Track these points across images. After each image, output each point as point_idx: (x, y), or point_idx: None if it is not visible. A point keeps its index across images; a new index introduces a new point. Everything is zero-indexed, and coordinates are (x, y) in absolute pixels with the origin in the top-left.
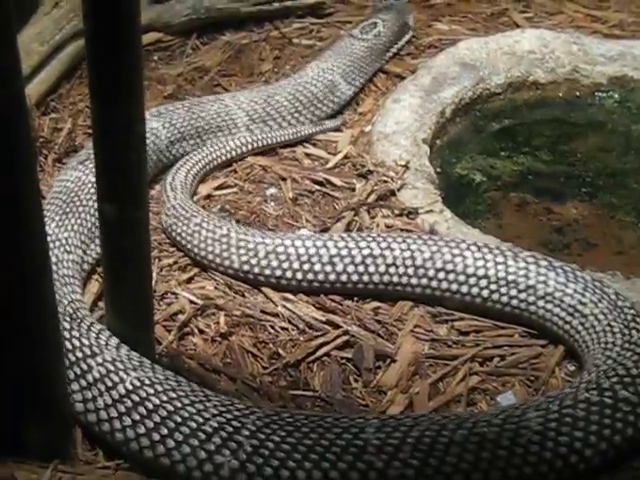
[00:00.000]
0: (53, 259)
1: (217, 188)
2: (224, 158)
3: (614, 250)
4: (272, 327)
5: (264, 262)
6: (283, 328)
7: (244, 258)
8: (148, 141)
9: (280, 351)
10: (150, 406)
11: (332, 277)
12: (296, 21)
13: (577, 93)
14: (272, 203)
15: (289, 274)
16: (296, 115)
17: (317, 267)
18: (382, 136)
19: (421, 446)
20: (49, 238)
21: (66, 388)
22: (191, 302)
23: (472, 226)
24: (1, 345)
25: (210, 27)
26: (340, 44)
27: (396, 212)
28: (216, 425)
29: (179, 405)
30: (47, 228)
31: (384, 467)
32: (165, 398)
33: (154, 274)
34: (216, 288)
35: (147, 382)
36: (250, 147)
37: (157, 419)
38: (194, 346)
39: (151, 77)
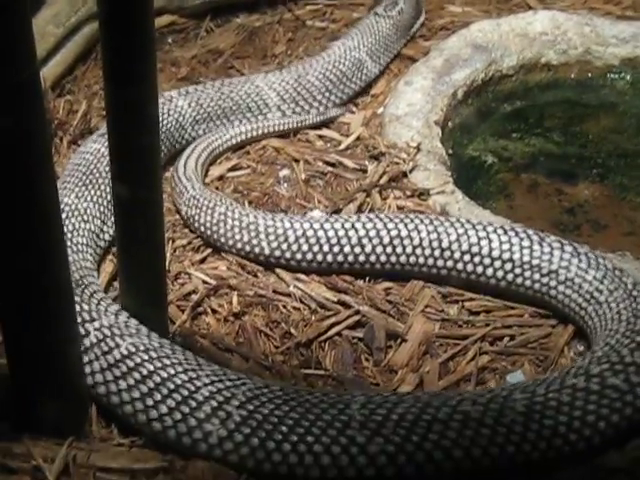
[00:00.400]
0: (69, 227)
1: (230, 169)
2: (231, 144)
3: (625, 231)
4: (284, 307)
5: (295, 247)
6: (295, 308)
7: (274, 244)
8: (172, 119)
9: (292, 330)
10: (144, 372)
11: (361, 258)
12: (309, 3)
13: (589, 74)
14: (285, 184)
15: (319, 257)
16: (326, 94)
17: (347, 249)
18: (394, 118)
19: (404, 423)
20: (68, 208)
21: (82, 365)
22: (204, 282)
23: (483, 207)
24: (17, 322)
25: (224, 9)
26: (365, 22)
27: (408, 193)
28: (207, 394)
29: (172, 372)
30: (66, 199)
31: (365, 442)
32: (159, 365)
33: (168, 255)
34: (229, 268)
35: (142, 348)
36: (255, 133)
37: (151, 385)
38: (207, 326)
39: (165, 60)
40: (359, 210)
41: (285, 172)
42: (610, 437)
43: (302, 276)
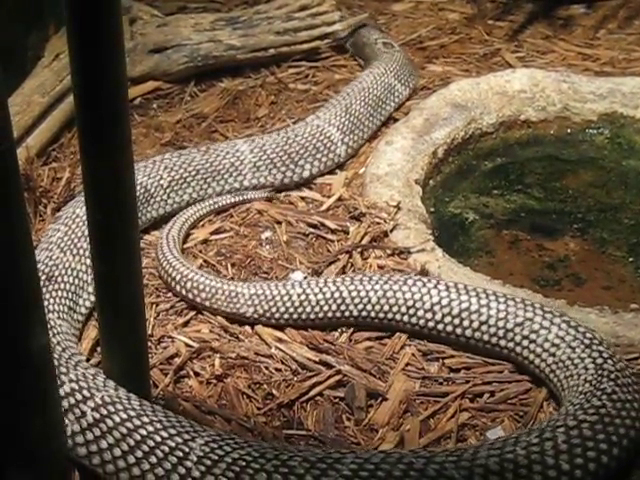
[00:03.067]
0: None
1: (213, 233)
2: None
3: (604, 285)
4: (266, 368)
5: (377, 307)
6: (277, 369)
7: (360, 306)
8: (229, 164)
9: (274, 392)
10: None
11: (431, 324)
12: (292, 65)
13: (568, 130)
14: (267, 246)
15: (398, 317)
16: (370, 119)
17: (420, 313)
18: (375, 178)
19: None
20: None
21: (63, 431)
22: (187, 345)
23: (464, 264)
24: None
25: (208, 74)
26: (381, 56)
27: (388, 252)
28: (68, 390)
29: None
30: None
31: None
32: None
33: (151, 319)
34: (211, 331)
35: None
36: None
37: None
38: (190, 388)
39: (150, 125)
40: (342, 271)
41: (267, 234)
42: None
43: (284, 336)
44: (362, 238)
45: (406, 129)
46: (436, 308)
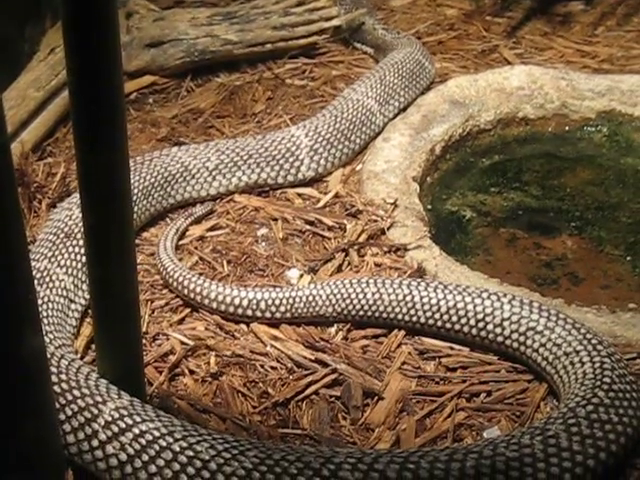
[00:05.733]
0: None
1: (209, 229)
2: None
3: (602, 284)
4: (262, 366)
5: (445, 317)
6: (272, 367)
7: (428, 314)
8: (285, 149)
9: (269, 390)
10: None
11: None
12: (289, 62)
13: (566, 128)
14: (263, 243)
15: (466, 329)
16: (406, 89)
17: (490, 327)
18: (372, 175)
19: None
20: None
21: (58, 433)
22: (182, 343)
23: (461, 262)
24: None
25: (204, 69)
26: (401, 39)
27: (385, 250)
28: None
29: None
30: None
31: None
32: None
33: (146, 316)
34: (207, 329)
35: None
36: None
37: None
38: (185, 386)
39: (146, 120)
40: (339, 269)
41: (263, 231)
42: None
43: (279, 334)
44: (359, 236)
45: (404, 126)
46: (505, 324)
